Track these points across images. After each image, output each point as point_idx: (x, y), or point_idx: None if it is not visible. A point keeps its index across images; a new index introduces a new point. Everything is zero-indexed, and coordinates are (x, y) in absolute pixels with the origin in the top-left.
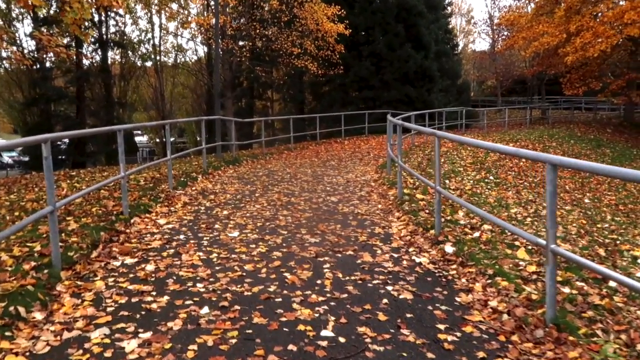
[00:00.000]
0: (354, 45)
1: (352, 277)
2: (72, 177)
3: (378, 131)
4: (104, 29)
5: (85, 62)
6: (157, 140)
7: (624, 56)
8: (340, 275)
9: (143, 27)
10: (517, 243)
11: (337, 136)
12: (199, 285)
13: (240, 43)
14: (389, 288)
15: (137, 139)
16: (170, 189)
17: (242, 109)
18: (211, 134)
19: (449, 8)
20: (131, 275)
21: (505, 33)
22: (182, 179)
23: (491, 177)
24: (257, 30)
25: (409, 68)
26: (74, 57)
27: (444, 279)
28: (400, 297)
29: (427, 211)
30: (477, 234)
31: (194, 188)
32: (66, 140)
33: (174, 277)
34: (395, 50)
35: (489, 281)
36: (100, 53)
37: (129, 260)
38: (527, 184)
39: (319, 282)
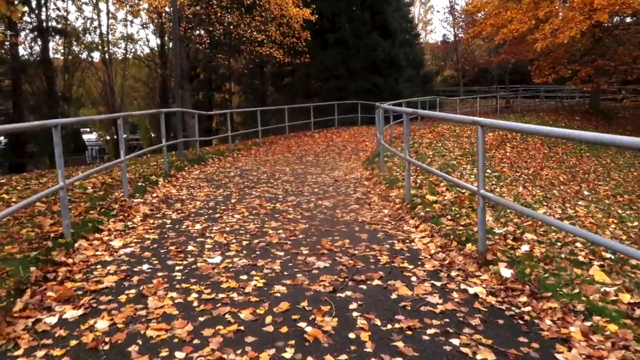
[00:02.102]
0: (319, 33)
1: (396, 325)
2: (1, 185)
3: (347, 123)
4: (43, 15)
5: (23, 51)
6: (108, 137)
7: (590, 43)
8: (377, 321)
9: (89, 14)
10: (580, 258)
11: (305, 129)
12: (178, 355)
13: (198, 33)
14: (455, 342)
15: (86, 136)
16: (125, 197)
17: (200, 102)
18: (167, 130)
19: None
20: (73, 343)
21: (467, 21)
22: (140, 184)
23: (489, 171)
24: (218, 15)
25: (377, 57)
26: (6, 43)
27: (521, 321)
28: (479, 358)
29: (448, 217)
30: (525, 247)
31: (155, 195)
32: (1, 139)
33: (140, 342)
34: (362, 38)
35: (587, 323)
36: (40, 42)
37: (70, 313)
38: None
39: (351, 336)
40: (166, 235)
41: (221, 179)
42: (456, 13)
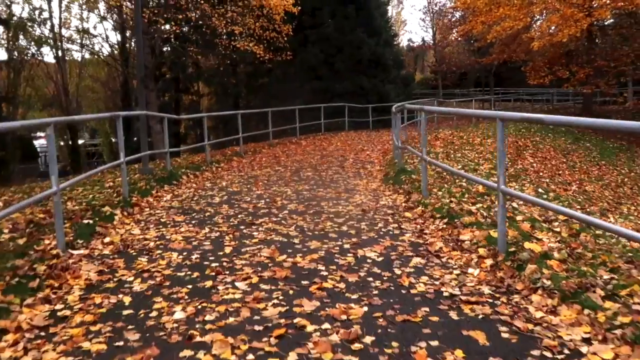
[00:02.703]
0: (299, 29)
1: None
2: None
3: (333, 128)
4: None
5: None
6: (62, 143)
7: (587, 42)
8: None
9: (37, 3)
10: None
11: (289, 135)
12: None
13: (164, 22)
14: None
15: (38, 142)
16: (60, 248)
17: (166, 105)
18: (130, 137)
19: None
20: None
21: (447, 20)
22: (86, 221)
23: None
24: (187, 2)
25: (363, 55)
26: None
27: None
28: None
29: (597, 290)
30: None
31: (107, 241)
32: None
33: None
34: (346, 35)
35: None
36: None
37: None
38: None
39: None
40: (122, 341)
41: (203, 208)
42: (433, 14)
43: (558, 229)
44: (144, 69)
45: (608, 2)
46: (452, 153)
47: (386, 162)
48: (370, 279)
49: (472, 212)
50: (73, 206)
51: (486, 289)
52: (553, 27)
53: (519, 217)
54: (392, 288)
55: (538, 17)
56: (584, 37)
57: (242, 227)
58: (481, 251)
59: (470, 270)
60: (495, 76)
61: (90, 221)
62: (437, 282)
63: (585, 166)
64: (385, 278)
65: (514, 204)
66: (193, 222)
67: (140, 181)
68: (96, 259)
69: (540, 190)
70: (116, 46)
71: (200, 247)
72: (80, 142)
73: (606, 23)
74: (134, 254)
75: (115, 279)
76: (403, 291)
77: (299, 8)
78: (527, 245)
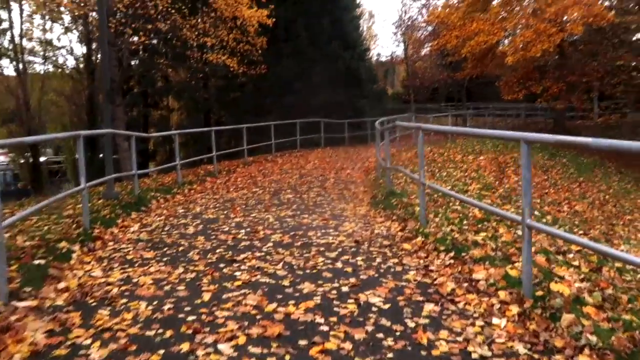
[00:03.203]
0: (273, 42)
1: None
2: None
3: (309, 144)
4: None
5: None
6: (22, 160)
7: (559, 58)
8: None
9: None
10: None
11: (263, 152)
12: None
13: (132, 33)
14: None
15: None
16: (1, 300)
17: (134, 120)
18: (95, 154)
19: (357, 10)
20: None
21: (419, 34)
22: (38, 261)
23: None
24: (157, 12)
25: (338, 69)
26: None
27: None
28: None
29: None
30: None
31: (62, 287)
32: None
33: None
34: (321, 49)
35: None
36: None
37: None
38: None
39: None
40: None
41: (176, 240)
42: (405, 28)
43: (576, 262)
44: (111, 82)
45: (580, 17)
46: (436, 172)
47: (370, 182)
48: (381, 335)
49: (478, 243)
50: (23, 242)
51: (521, 347)
52: (527, 42)
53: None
54: (409, 348)
55: (511, 32)
56: (556, 52)
57: (221, 265)
58: (502, 295)
59: (494, 320)
60: (466, 91)
61: (43, 261)
62: (459, 338)
63: (566, 183)
64: (397, 334)
65: (518, 232)
66: (165, 259)
67: (104, 208)
68: (46, 312)
69: (536, 212)
70: (81, 59)
71: (174, 293)
72: (42, 159)
73: (576, 38)
74: (93, 304)
75: (68, 343)
76: (423, 352)
77: (274, 20)
78: (553, 286)
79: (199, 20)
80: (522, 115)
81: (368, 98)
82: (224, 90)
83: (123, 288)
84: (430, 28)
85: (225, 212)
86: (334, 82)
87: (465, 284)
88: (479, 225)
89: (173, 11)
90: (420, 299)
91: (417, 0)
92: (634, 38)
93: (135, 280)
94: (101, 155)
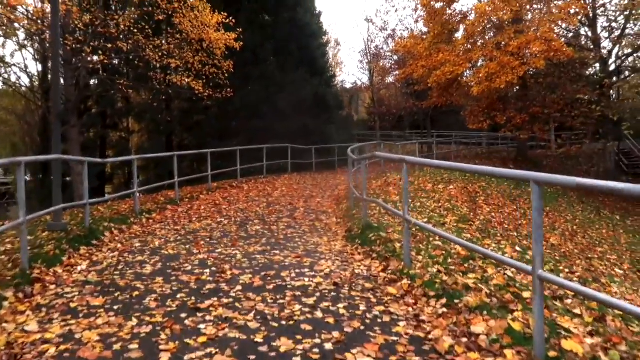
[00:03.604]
0: (240, 66)
1: None
2: None
3: (275, 170)
4: None
5: None
6: None
7: (521, 90)
8: None
9: None
10: None
11: (228, 178)
12: None
13: (90, 51)
14: None
15: None
16: None
17: (91, 142)
18: (46, 176)
19: (324, 38)
20: None
21: (385, 62)
22: None
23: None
24: (119, 31)
25: (306, 95)
26: None
27: None
28: None
29: None
30: None
31: None
32: None
33: None
34: (288, 74)
35: None
36: None
37: None
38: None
39: None
40: None
41: (131, 283)
42: (371, 56)
43: (577, 310)
44: (66, 102)
45: (541, 51)
46: (410, 201)
47: (342, 212)
48: None
49: (470, 287)
50: None
51: None
52: (492, 73)
53: (525, 294)
54: None
55: (476, 63)
56: (518, 84)
57: (183, 315)
58: (509, 355)
59: None
60: (430, 119)
61: None
62: None
63: (526, 211)
64: None
65: (508, 272)
66: (116, 307)
67: (48, 242)
68: None
69: (518, 248)
70: (36, 77)
71: (125, 354)
72: None
73: (537, 71)
74: None
75: None
76: None
77: (241, 44)
78: (564, 344)
79: (163, 41)
80: (483, 144)
81: (335, 124)
82: (188, 112)
83: (62, 347)
84: (395, 57)
85: (187, 246)
86: (301, 107)
87: (465, 340)
88: (465, 265)
89: (136, 31)
90: (417, 359)
91: (384, 30)
92: (590, 72)
93: (78, 335)
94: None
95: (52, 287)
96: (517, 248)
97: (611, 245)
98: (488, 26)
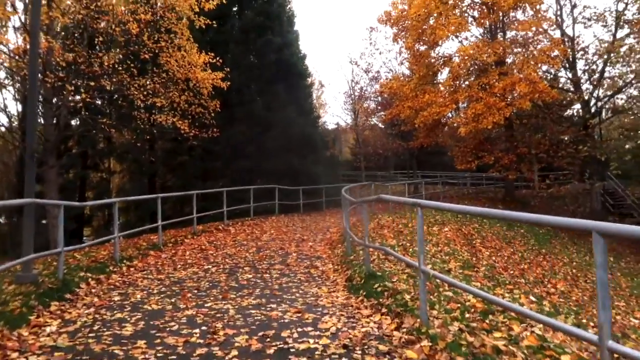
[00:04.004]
0: (226, 105)
1: None
2: None
3: (262, 211)
4: None
5: None
6: None
7: (507, 130)
8: None
9: None
10: None
11: (214, 220)
12: None
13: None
14: None
15: None
16: None
17: (70, 183)
18: (22, 220)
19: (309, 79)
20: None
21: (369, 103)
22: None
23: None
24: (104, 75)
25: (293, 134)
26: None
27: None
28: None
29: None
30: None
31: None
32: None
33: None
34: (275, 114)
35: None
36: None
37: None
38: None
39: None
40: None
41: (108, 349)
42: (355, 98)
43: None
44: (43, 143)
45: (527, 93)
46: (408, 245)
47: (338, 258)
48: None
49: (500, 350)
50: None
51: None
52: (478, 114)
53: (563, 358)
54: None
55: (463, 104)
56: (505, 124)
57: None
58: None
59: None
60: (416, 159)
61: None
62: None
63: (532, 256)
64: None
65: (536, 330)
66: None
67: (14, 298)
68: None
69: (532, 297)
70: (15, 117)
71: None
72: None
73: (519, 112)
74: None
75: None
76: None
77: (228, 83)
78: None
79: (149, 80)
80: (467, 184)
81: (322, 164)
82: (171, 153)
83: None
84: (379, 98)
85: (172, 299)
86: (288, 147)
87: None
88: (486, 321)
89: (121, 69)
90: None
91: (368, 72)
92: (572, 112)
93: None
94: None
95: (14, 355)
96: (532, 297)
97: (614, 289)
98: (472, 68)
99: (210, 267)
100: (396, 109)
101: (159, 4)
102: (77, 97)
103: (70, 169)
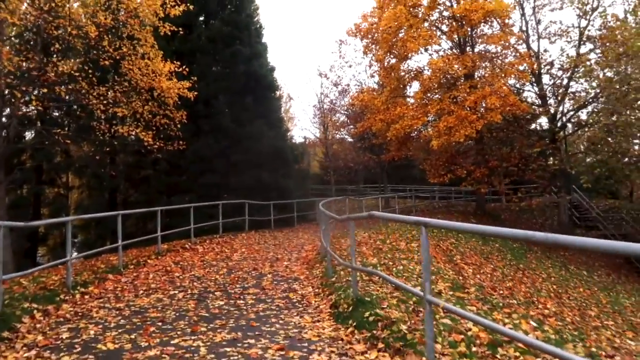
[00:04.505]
0: (192, 118)
1: None
2: None
3: (231, 228)
4: None
5: None
6: None
7: (477, 144)
8: None
9: None
10: None
11: (179, 237)
12: None
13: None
14: None
15: None
16: None
17: (23, 200)
18: None
19: (277, 92)
20: None
21: (338, 116)
22: None
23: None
24: (57, 79)
25: (262, 148)
26: None
27: None
28: None
29: None
30: None
31: None
32: None
33: None
34: (244, 126)
35: None
36: None
37: None
38: None
39: None
40: None
41: None
42: (324, 111)
43: None
44: None
45: (498, 106)
46: (390, 264)
47: (318, 279)
48: None
49: None
50: None
51: None
52: (450, 127)
53: None
54: None
55: (434, 117)
56: (476, 138)
57: None
58: None
59: None
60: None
61: None
62: None
63: (512, 272)
64: None
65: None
66: None
67: None
68: None
69: (533, 323)
70: None
71: None
72: None
73: (490, 126)
74: None
75: None
76: None
77: (196, 93)
78: None
79: (110, 90)
80: (436, 198)
81: (292, 178)
82: (134, 167)
83: None
84: (349, 112)
85: (132, 335)
86: (257, 161)
87: None
88: (497, 355)
89: (79, 77)
90: None
91: (338, 85)
92: (537, 127)
93: None
94: None
95: None
96: (532, 322)
97: (597, 305)
98: (443, 81)
99: (176, 292)
100: (368, 122)
101: (121, 11)
102: (31, 108)
103: (24, 184)
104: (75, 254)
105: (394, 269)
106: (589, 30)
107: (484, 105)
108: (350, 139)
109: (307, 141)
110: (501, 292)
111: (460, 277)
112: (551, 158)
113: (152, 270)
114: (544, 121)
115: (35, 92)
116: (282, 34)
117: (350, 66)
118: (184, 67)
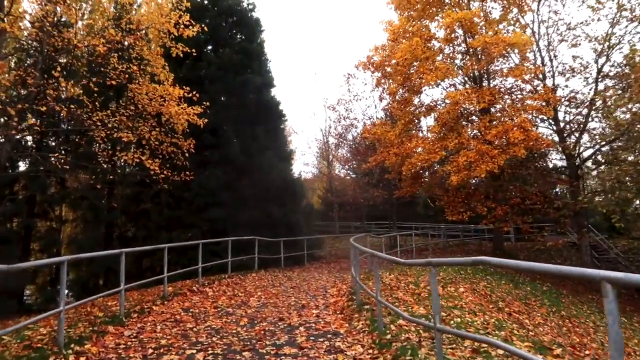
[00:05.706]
0: (199, 148)
1: None
2: None
3: (240, 267)
4: None
5: None
6: None
7: (496, 181)
8: None
9: None
10: None
11: (185, 277)
12: None
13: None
14: None
15: None
16: None
17: (12, 233)
18: None
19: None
20: None
21: (343, 151)
22: None
23: None
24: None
25: (272, 181)
26: None
27: None
28: None
29: None
30: None
31: None
32: None
33: None
34: (253, 158)
35: None
36: None
37: None
38: None
39: None
40: None
41: None
42: (329, 146)
43: None
44: None
45: (521, 140)
46: (444, 315)
47: (364, 335)
48: None
49: None
50: None
51: None
52: (470, 162)
53: None
54: None
55: (452, 151)
56: (498, 174)
57: None
58: None
59: None
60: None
61: None
62: None
63: (560, 321)
64: None
65: None
66: None
67: None
68: None
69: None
70: None
71: None
72: None
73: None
74: None
75: None
76: None
77: (205, 120)
78: None
79: (116, 113)
80: (442, 236)
81: (301, 214)
82: (133, 200)
83: None
84: (354, 146)
85: None
86: (266, 195)
87: None
88: None
89: (83, 99)
90: None
91: (345, 119)
92: (553, 164)
93: None
94: None
95: None
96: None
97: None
98: (460, 115)
99: (194, 352)
100: (381, 156)
101: (131, 31)
102: (29, 138)
103: (14, 217)
104: (70, 300)
105: (451, 321)
106: (606, 67)
107: (504, 139)
108: (353, 175)
109: (303, 177)
110: (578, 351)
111: (523, 330)
112: (568, 196)
113: (159, 320)
114: (556, 158)
115: (33, 118)
116: (281, 68)
117: (358, 100)
118: (194, 92)
